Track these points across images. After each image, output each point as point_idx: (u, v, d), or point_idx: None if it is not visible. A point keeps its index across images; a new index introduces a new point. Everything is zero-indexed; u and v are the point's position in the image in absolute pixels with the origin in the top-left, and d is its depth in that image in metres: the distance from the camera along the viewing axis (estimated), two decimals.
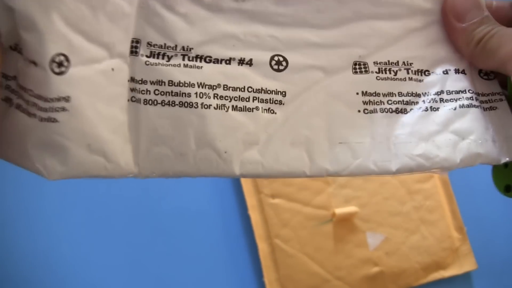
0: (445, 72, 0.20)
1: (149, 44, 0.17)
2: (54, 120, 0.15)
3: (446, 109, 0.19)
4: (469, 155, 0.19)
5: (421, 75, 0.20)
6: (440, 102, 0.20)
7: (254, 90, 0.18)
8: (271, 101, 0.18)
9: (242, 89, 0.18)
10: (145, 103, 0.17)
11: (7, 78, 0.16)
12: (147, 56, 0.17)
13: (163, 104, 0.17)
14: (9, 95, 0.16)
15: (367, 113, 0.19)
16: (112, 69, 0.17)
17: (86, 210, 0.34)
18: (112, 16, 0.16)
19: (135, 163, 0.17)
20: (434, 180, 0.38)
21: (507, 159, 0.20)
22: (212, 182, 0.37)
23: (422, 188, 0.38)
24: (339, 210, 0.35)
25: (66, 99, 0.15)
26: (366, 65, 0.19)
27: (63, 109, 0.15)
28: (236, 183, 0.37)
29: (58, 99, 0.15)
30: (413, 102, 0.19)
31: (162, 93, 0.17)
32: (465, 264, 0.38)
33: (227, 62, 0.18)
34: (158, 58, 0.17)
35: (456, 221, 0.38)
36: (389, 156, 0.19)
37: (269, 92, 0.18)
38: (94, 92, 0.16)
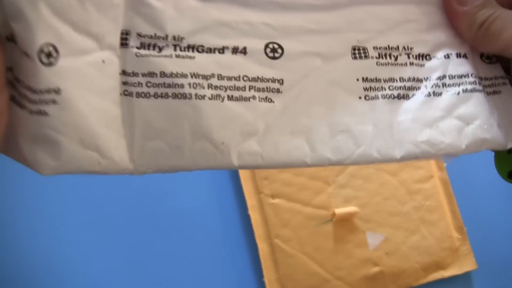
0: (446, 57, 0.20)
1: (139, 35, 0.17)
2: (44, 113, 0.15)
3: (449, 94, 0.19)
4: (474, 140, 0.19)
5: (422, 59, 0.19)
6: (443, 87, 0.19)
7: (250, 79, 0.17)
8: (268, 90, 0.18)
9: (237, 78, 0.17)
10: (138, 96, 0.16)
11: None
12: (137, 48, 0.17)
13: (156, 96, 0.17)
14: None
15: (368, 99, 0.18)
16: (103, 61, 0.16)
17: (87, 210, 0.34)
18: (100, 6, 0.16)
19: (130, 159, 0.17)
20: (434, 180, 0.38)
21: None
22: (212, 182, 0.37)
23: (422, 188, 0.38)
24: (339, 210, 0.35)
25: (56, 91, 0.15)
26: (366, 50, 0.19)
27: (54, 101, 0.15)
28: (236, 183, 0.37)
29: (48, 91, 0.15)
30: (415, 87, 0.19)
31: (155, 85, 0.17)
32: (465, 264, 0.38)
33: (221, 51, 0.17)
34: (149, 49, 0.17)
35: (456, 221, 0.38)
36: (392, 143, 0.18)
37: (265, 80, 0.18)
38: (85, 85, 0.16)
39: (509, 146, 0.19)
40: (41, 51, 0.15)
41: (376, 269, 0.35)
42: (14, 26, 0.15)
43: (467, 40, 0.20)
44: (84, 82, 0.16)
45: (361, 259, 0.35)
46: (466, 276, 0.38)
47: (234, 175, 0.37)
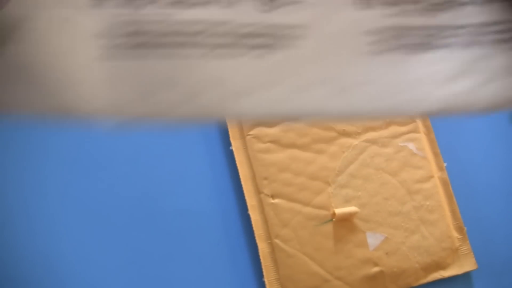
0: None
1: None
2: None
3: (469, 46, 0.17)
4: (495, 99, 0.17)
5: (436, 6, 0.17)
6: (462, 36, 0.17)
7: (242, 34, 0.16)
8: (262, 46, 0.16)
9: (227, 34, 0.16)
10: (116, 59, 0.15)
11: None
12: (115, 7, 0.15)
13: (137, 58, 0.15)
14: None
15: (374, 54, 0.17)
16: (66, 19, 0.15)
17: (86, 210, 0.34)
18: None
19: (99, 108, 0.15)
20: (434, 180, 0.38)
21: None
22: (212, 182, 0.36)
23: (422, 188, 0.38)
24: (339, 210, 0.35)
25: None
26: None
27: None
28: (236, 183, 0.37)
29: None
30: (430, 35, 0.17)
31: (135, 47, 0.15)
32: (465, 264, 0.38)
33: (206, 5, 0.16)
34: (127, 7, 0.15)
35: (456, 221, 0.38)
36: (403, 101, 0.17)
37: (258, 35, 0.16)
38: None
39: None
40: None
41: (376, 269, 0.35)
42: None
43: None
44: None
45: (361, 259, 0.35)
46: (466, 276, 0.38)
47: (234, 175, 0.37)
